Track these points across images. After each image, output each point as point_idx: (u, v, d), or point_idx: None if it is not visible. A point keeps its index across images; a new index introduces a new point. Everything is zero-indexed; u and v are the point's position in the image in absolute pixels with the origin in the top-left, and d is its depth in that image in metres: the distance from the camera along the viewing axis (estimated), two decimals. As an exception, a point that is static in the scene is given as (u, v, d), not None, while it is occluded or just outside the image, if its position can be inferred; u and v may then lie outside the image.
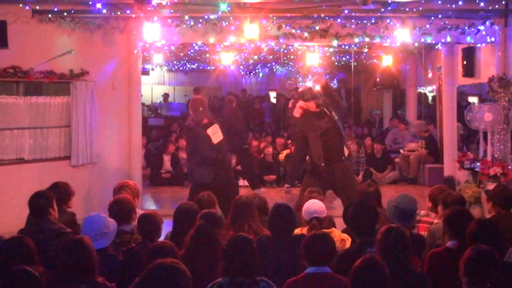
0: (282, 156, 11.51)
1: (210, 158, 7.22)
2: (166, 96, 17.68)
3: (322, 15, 8.25)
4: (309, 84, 17.06)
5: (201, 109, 7.38)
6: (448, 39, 8.56)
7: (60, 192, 5.22)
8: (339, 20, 8.31)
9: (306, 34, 8.42)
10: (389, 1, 7.91)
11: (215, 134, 7.36)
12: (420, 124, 11.97)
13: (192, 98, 7.88)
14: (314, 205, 4.89)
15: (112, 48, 8.71)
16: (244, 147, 10.61)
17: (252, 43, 8.74)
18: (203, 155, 7.21)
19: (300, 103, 7.41)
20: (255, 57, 13.88)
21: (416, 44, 9.47)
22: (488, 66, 8.58)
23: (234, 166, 9.08)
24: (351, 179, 7.54)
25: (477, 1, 7.85)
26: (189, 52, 12.18)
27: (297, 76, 17.04)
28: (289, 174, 10.48)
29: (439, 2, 7.94)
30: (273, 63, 16.52)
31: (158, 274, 2.94)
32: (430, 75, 12.69)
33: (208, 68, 15.89)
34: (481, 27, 8.33)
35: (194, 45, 9.97)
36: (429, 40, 8.56)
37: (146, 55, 12.44)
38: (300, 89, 7.53)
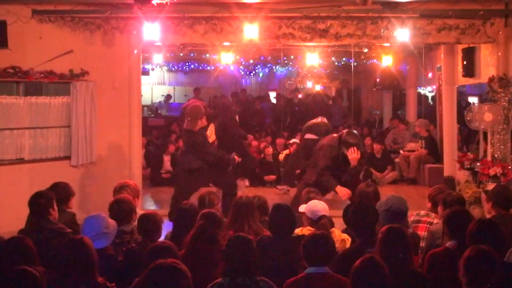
0: (282, 156, 11.51)
1: (212, 155, 7.57)
2: (168, 97, 17.67)
3: (322, 15, 8.25)
4: (309, 84, 17.21)
5: (198, 120, 7.56)
6: (448, 39, 8.55)
7: (60, 192, 5.22)
8: (339, 20, 8.30)
9: (306, 34, 8.41)
10: (389, 1, 7.92)
11: (211, 135, 7.68)
12: (425, 123, 11.92)
13: (191, 105, 7.83)
14: (320, 204, 4.91)
15: (112, 48, 8.70)
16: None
17: (252, 43, 8.73)
18: (207, 153, 7.55)
19: (354, 153, 7.24)
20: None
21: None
22: (488, 66, 8.57)
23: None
24: None
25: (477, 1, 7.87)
26: (190, 53, 12.19)
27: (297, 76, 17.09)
28: (287, 174, 10.46)
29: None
30: (273, 65, 16.55)
31: (159, 275, 2.94)
32: (430, 75, 12.69)
33: (208, 68, 15.89)
34: (481, 27, 8.32)
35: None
36: (429, 40, 8.56)
37: (146, 55, 12.43)
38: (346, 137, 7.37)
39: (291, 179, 10.28)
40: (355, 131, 7.68)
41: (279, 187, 10.54)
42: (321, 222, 4.70)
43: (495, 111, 8.10)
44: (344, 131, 7.66)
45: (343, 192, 7.23)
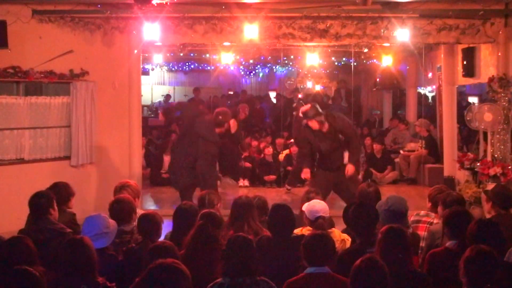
0: (282, 156, 11.51)
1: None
2: (168, 97, 17.68)
3: (322, 15, 8.25)
4: (309, 84, 17.22)
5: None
6: (448, 39, 8.55)
7: (60, 192, 5.21)
8: (339, 20, 8.30)
9: (306, 34, 8.41)
10: (389, 1, 7.92)
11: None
12: (425, 123, 11.92)
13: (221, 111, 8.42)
14: (319, 205, 4.91)
15: (112, 48, 8.71)
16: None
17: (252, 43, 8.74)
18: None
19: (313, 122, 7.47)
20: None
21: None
22: (488, 66, 8.57)
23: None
24: (355, 180, 7.62)
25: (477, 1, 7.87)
26: (190, 53, 12.19)
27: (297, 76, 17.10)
28: (292, 175, 10.47)
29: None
30: (273, 65, 16.56)
31: (159, 274, 2.94)
32: (430, 75, 12.69)
33: (208, 68, 15.91)
34: (481, 27, 8.31)
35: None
36: (429, 40, 8.56)
37: (146, 55, 12.44)
38: (304, 108, 7.60)
39: (296, 181, 10.38)
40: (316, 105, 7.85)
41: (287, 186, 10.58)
42: (318, 223, 4.70)
43: (495, 111, 8.10)
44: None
45: (304, 172, 7.74)
